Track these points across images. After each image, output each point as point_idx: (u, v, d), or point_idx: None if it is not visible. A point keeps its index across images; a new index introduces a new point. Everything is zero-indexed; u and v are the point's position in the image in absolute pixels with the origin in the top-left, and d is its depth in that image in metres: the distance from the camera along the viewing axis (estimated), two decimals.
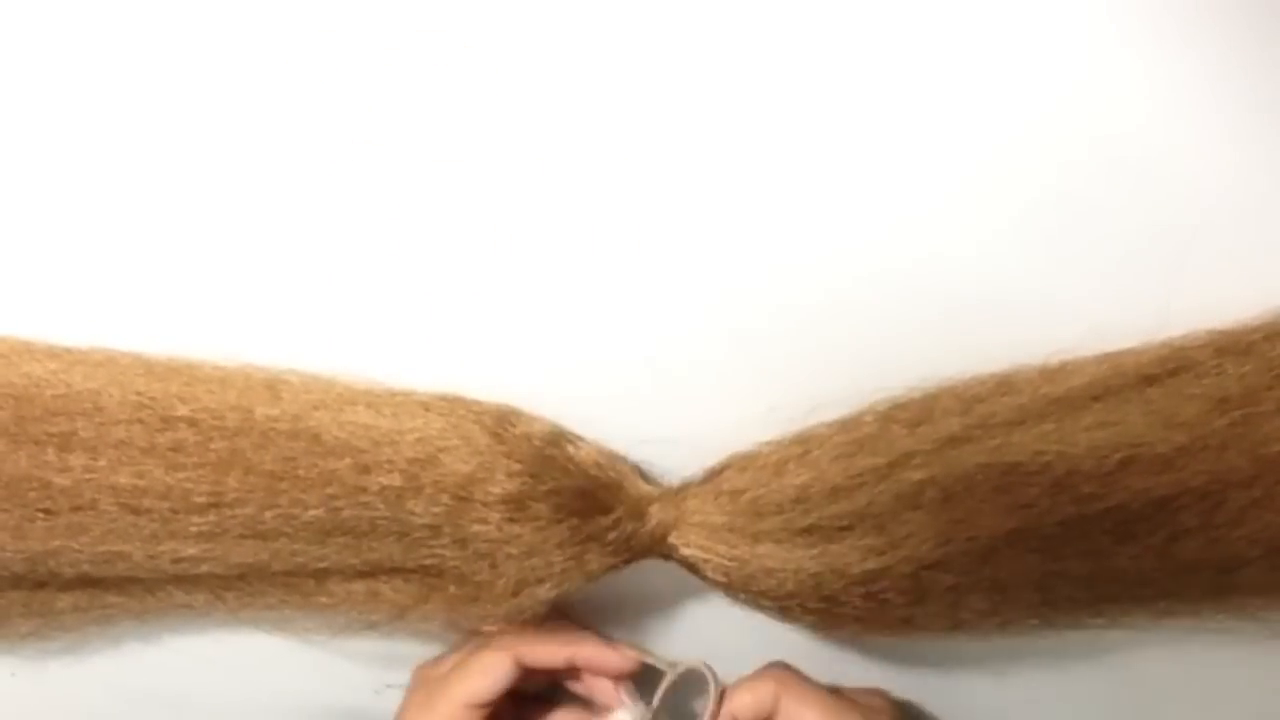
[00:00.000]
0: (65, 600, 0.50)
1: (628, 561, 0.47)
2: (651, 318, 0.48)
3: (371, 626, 0.50)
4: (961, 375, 0.46)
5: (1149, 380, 0.45)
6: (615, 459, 0.48)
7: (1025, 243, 0.45)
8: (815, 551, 0.46)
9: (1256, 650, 0.50)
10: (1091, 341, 0.45)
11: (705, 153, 0.44)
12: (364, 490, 0.45)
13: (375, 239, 0.47)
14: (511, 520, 0.44)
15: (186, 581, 0.49)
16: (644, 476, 0.49)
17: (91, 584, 0.50)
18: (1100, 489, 0.44)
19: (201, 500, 0.46)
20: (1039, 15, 0.42)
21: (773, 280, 0.46)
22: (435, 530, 0.45)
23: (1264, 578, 0.46)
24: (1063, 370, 0.46)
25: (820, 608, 0.46)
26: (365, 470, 0.45)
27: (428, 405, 0.46)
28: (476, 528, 0.45)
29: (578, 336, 0.48)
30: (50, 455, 0.46)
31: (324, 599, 0.49)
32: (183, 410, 0.46)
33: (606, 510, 0.46)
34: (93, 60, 0.45)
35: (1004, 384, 0.46)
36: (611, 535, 0.46)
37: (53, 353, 0.47)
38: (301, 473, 0.45)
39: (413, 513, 0.45)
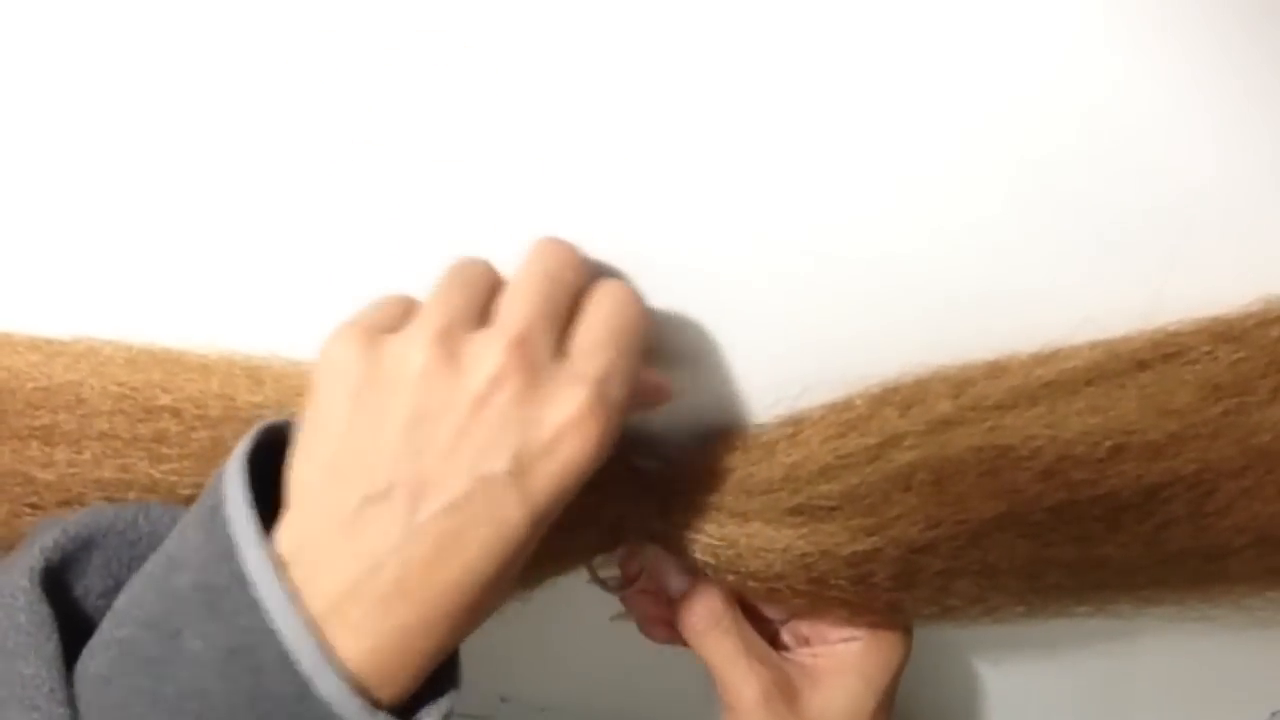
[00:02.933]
0: None
1: (619, 543, 0.47)
2: (644, 300, 0.47)
3: None
4: (954, 361, 0.46)
5: (1142, 365, 0.44)
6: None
7: (1017, 230, 0.44)
8: (804, 531, 0.46)
9: (1241, 638, 0.50)
10: (1084, 330, 0.45)
11: (699, 141, 0.44)
12: None
13: (366, 232, 0.46)
14: None
15: None
16: (634, 456, 0.49)
17: None
18: (1091, 475, 0.44)
19: (186, 493, 0.46)
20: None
21: (764, 263, 0.46)
22: None
23: (1251, 567, 0.46)
24: (1056, 355, 0.45)
25: (809, 590, 0.46)
26: None
27: None
28: None
29: None
30: (34, 450, 0.46)
31: None
32: (165, 400, 0.46)
33: (595, 490, 0.46)
34: (79, 51, 0.44)
35: (996, 368, 0.46)
36: (600, 516, 0.46)
37: (34, 344, 0.47)
38: None
39: None
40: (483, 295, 0.40)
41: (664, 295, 0.47)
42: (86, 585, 0.40)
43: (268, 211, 0.46)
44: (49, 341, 0.47)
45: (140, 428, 0.46)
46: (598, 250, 0.46)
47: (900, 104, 0.43)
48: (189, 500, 0.46)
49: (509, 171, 0.44)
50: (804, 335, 0.47)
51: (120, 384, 0.46)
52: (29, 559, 0.39)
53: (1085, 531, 0.45)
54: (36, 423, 0.46)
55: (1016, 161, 0.43)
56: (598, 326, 0.39)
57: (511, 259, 0.44)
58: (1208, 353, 0.44)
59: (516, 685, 0.60)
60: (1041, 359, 0.45)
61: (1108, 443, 0.44)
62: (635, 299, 0.41)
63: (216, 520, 0.36)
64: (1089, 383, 0.45)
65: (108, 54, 0.44)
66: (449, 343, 0.37)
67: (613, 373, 0.38)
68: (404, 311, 0.40)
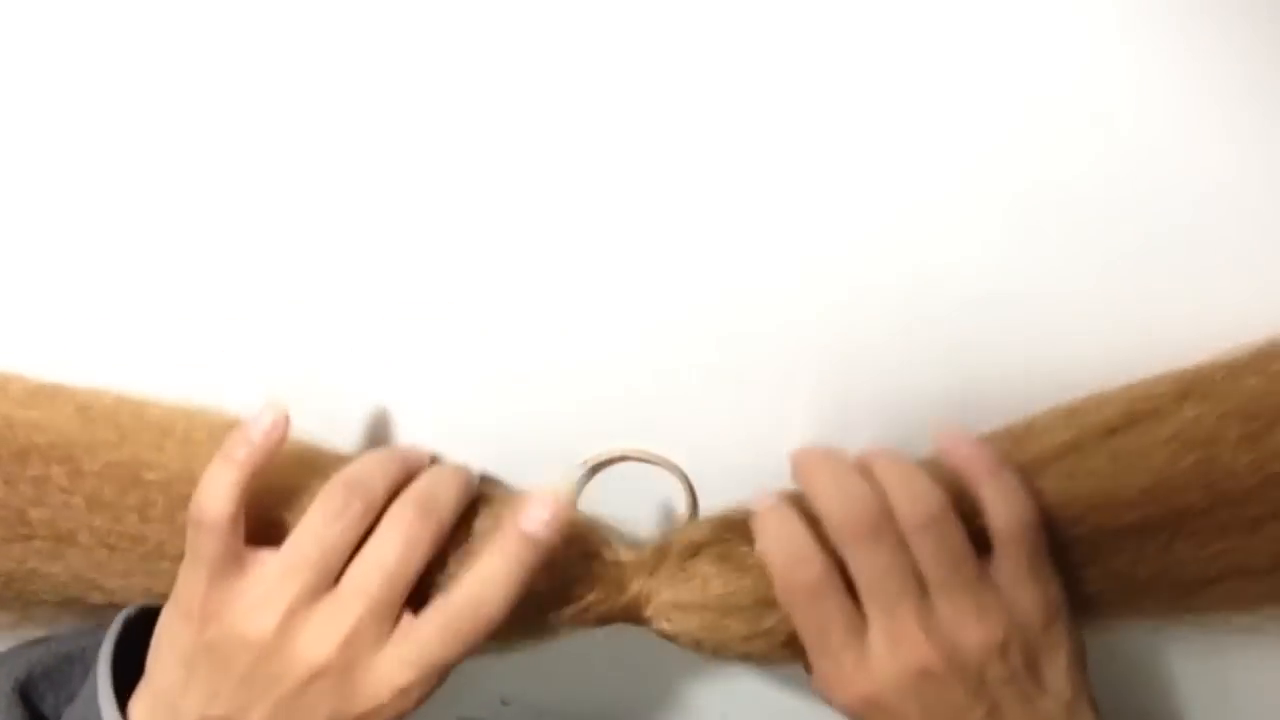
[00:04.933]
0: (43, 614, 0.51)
1: (603, 624, 0.48)
2: (654, 327, 0.48)
3: None
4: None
5: (1112, 430, 0.45)
6: (593, 530, 0.48)
7: (1002, 261, 0.46)
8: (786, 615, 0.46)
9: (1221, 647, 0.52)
10: (1053, 390, 0.47)
11: (707, 165, 0.44)
12: None
13: (363, 270, 0.47)
14: None
15: None
16: (622, 539, 0.49)
17: (69, 604, 0.50)
18: (1063, 527, 0.45)
19: (175, 553, 0.46)
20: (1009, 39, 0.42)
21: (768, 295, 0.47)
22: None
23: (1224, 596, 0.47)
24: (1029, 429, 0.47)
25: (796, 660, 0.47)
26: None
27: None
28: None
29: (577, 352, 0.48)
30: (27, 490, 0.46)
31: None
32: (152, 476, 0.46)
33: (583, 594, 0.46)
34: (74, 68, 0.44)
35: None
36: (587, 615, 0.47)
37: (31, 396, 0.47)
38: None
39: None
40: (341, 554, 0.43)
41: (673, 322, 0.47)
42: (71, 690, 0.48)
43: (254, 270, 0.47)
44: (41, 387, 0.48)
45: (128, 496, 0.46)
46: (604, 272, 0.46)
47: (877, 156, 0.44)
48: (175, 558, 0.46)
49: (509, 187, 0.45)
50: (805, 366, 0.48)
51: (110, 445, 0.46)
52: (14, 669, 0.47)
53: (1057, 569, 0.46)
54: (32, 472, 0.46)
55: (984, 217, 0.45)
56: (435, 622, 0.43)
57: (517, 274, 0.46)
58: (1174, 410, 0.45)
59: (518, 688, 0.60)
60: (1016, 435, 0.47)
61: (1082, 502, 0.45)
62: (490, 594, 0.43)
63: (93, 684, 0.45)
64: (1059, 455, 0.46)
65: (112, 82, 0.44)
66: (291, 621, 0.42)
67: (432, 670, 0.43)
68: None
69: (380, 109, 0.43)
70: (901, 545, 0.44)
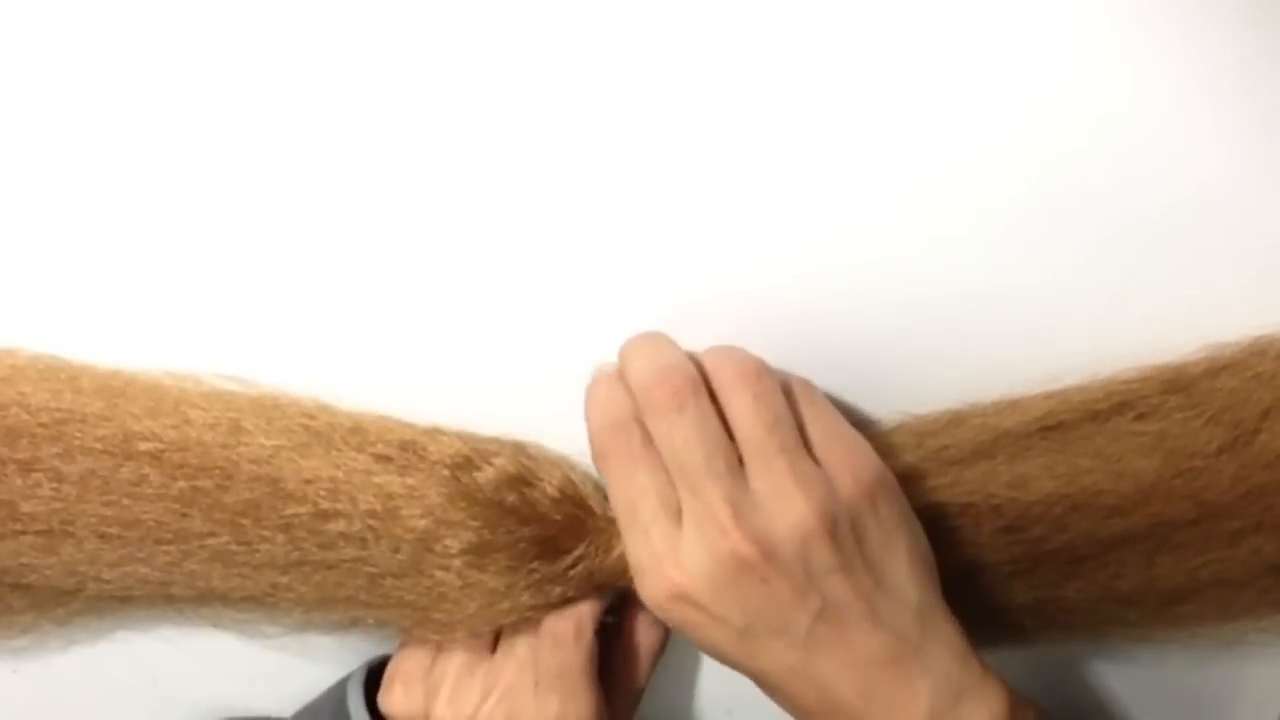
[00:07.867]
0: (21, 601, 0.51)
1: (585, 595, 0.48)
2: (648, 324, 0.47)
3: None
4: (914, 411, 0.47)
5: (1094, 416, 0.45)
6: (581, 485, 0.48)
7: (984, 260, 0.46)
8: None
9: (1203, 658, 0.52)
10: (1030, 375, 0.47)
11: (701, 165, 0.44)
12: (325, 534, 0.45)
13: (352, 255, 0.47)
14: (473, 568, 0.45)
15: (147, 599, 0.50)
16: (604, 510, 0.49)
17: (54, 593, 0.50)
18: (1049, 531, 0.46)
19: (169, 534, 0.46)
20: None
21: (761, 292, 0.47)
22: (398, 576, 0.46)
23: (1203, 609, 0.47)
24: (1014, 405, 0.46)
25: None
26: (325, 517, 0.45)
27: (386, 457, 0.46)
28: (439, 574, 0.45)
29: (577, 351, 0.48)
30: (17, 480, 0.46)
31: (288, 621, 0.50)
32: (145, 446, 0.46)
33: (570, 549, 0.46)
34: (71, 52, 0.43)
35: (956, 419, 0.47)
36: (574, 573, 0.46)
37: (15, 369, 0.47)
38: (262, 515, 0.46)
39: (374, 560, 0.45)
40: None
41: (659, 310, 0.47)
42: None
43: (258, 239, 0.46)
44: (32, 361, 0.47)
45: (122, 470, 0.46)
46: (590, 262, 0.46)
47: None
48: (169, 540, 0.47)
49: (489, 181, 0.45)
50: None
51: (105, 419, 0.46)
52: None
53: (1042, 579, 0.47)
54: (20, 455, 0.46)
55: (964, 208, 0.45)
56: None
57: (504, 261, 0.46)
58: (1158, 404, 0.45)
59: None
60: (1000, 408, 0.47)
61: (1066, 503, 0.45)
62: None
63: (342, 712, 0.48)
64: (1043, 434, 0.46)
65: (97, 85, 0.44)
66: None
67: None
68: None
69: (379, 103, 0.44)
70: (710, 418, 0.41)
